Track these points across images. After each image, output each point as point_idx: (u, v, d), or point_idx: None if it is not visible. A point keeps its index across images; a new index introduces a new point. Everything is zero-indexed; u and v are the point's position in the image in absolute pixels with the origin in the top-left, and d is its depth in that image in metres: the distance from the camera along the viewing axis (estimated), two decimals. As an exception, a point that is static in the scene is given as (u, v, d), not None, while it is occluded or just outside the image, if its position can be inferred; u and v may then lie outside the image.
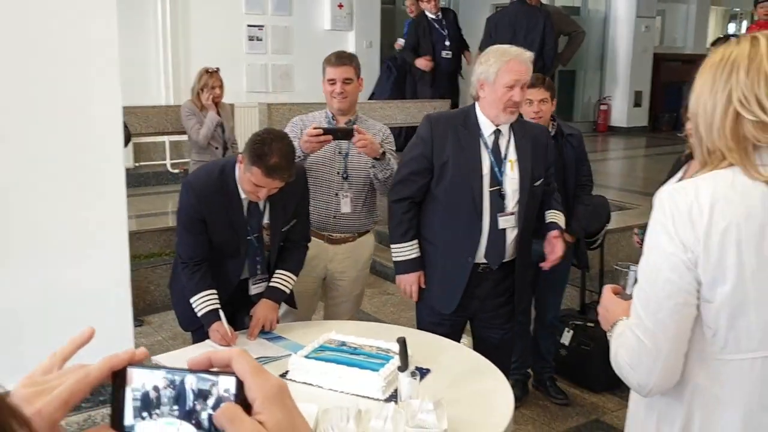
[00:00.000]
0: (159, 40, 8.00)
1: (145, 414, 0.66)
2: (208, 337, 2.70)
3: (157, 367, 0.67)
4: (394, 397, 2.23)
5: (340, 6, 9.12)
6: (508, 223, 2.84)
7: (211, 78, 5.18)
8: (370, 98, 8.15)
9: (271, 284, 2.87)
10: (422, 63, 7.56)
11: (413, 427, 1.96)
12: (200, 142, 5.07)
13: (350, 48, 8.89)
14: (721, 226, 1.37)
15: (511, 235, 2.87)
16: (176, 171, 7.34)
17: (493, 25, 6.44)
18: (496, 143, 2.85)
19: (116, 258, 1.96)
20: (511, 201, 2.85)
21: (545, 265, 3.01)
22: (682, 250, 1.39)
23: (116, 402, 0.66)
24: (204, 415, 0.64)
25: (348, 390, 2.29)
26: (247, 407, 0.64)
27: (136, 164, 7.65)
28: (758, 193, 1.38)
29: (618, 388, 3.92)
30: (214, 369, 0.66)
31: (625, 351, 1.49)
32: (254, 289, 2.88)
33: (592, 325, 4.07)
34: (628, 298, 1.56)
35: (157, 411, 0.65)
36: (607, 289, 1.68)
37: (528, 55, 2.80)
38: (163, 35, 8.01)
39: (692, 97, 1.48)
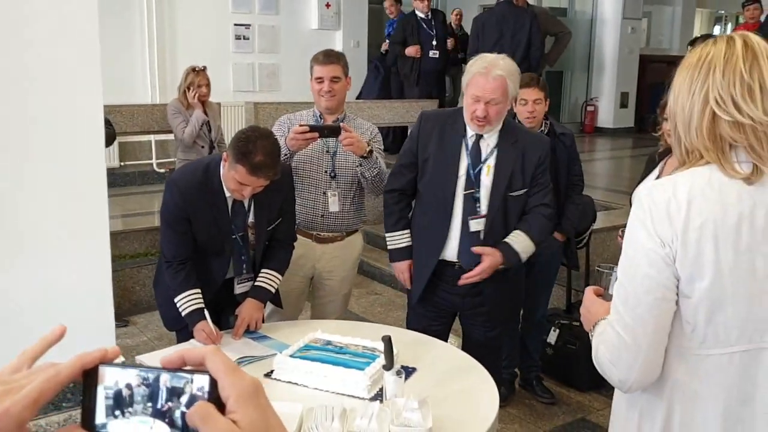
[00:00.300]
0: (145, 38, 7.96)
1: (117, 412, 0.65)
2: (192, 337, 2.68)
3: (130, 365, 0.66)
4: (379, 395, 2.22)
5: (328, 5, 9.11)
6: (479, 226, 2.83)
7: (197, 76, 5.16)
8: (357, 98, 8.14)
9: (256, 283, 2.85)
10: (412, 51, 7.54)
11: (398, 426, 1.96)
12: (186, 140, 5.04)
13: (337, 47, 8.87)
14: (698, 222, 1.39)
15: (487, 240, 2.82)
16: (162, 171, 7.30)
17: (480, 26, 6.45)
18: (476, 146, 2.84)
19: (98, 258, 1.94)
20: (484, 205, 2.83)
21: (460, 282, 2.81)
22: (660, 245, 1.41)
23: (87, 401, 0.65)
24: (177, 414, 0.63)
25: (333, 389, 2.28)
26: (221, 406, 0.63)
27: (122, 163, 7.61)
28: (735, 190, 1.40)
29: (604, 387, 3.93)
30: (188, 367, 0.65)
31: (606, 347, 1.50)
32: (239, 289, 2.86)
33: (578, 324, 4.07)
34: (611, 299, 1.56)
35: (130, 409, 0.64)
36: (589, 291, 1.69)
37: (499, 72, 2.68)
38: (149, 33, 7.97)
39: (670, 97, 1.50)
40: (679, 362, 1.47)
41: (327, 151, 3.20)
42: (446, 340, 3.00)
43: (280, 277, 2.90)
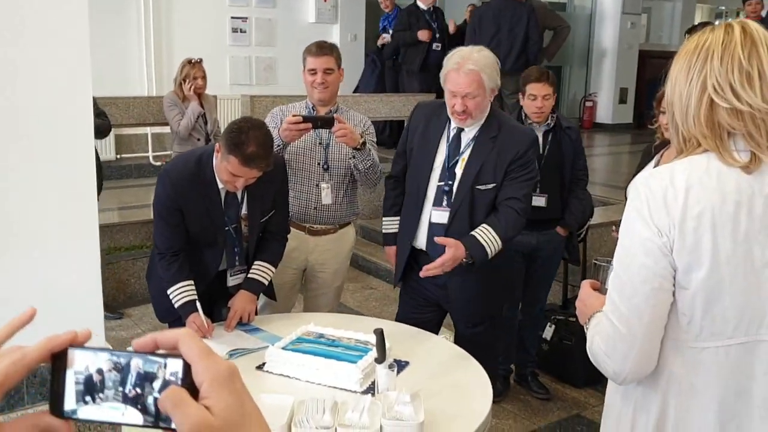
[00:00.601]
0: (141, 30, 7.92)
1: (88, 398, 0.63)
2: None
3: (101, 348, 0.64)
4: (371, 389, 2.21)
5: (325, -1, 9.08)
6: (442, 218, 2.82)
7: (193, 69, 5.13)
8: (354, 92, 8.12)
9: (249, 276, 2.83)
10: (424, 35, 7.50)
11: (389, 420, 1.94)
12: (181, 133, 5.02)
13: (335, 41, 8.82)
14: (695, 210, 1.37)
15: (452, 233, 2.78)
16: (158, 163, 7.27)
17: (477, 19, 6.42)
18: (456, 138, 2.83)
19: (86, 251, 1.92)
20: (453, 198, 2.81)
21: (422, 273, 2.70)
22: (657, 234, 1.39)
23: (56, 385, 0.63)
24: (150, 400, 0.61)
25: (325, 382, 2.27)
26: (195, 391, 0.61)
27: (118, 156, 7.58)
28: (733, 179, 1.38)
29: (599, 383, 3.90)
30: (162, 351, 0.63)
31: (600, 338, 1.49)
32: (232, 281, 2.84)
33: (573, 320, 4.05)
34: (607, 293, 1.54)
35: (101, 395, 0.62)
36: (586, 284, 1.68)
37: (471, 67, 2.66)
38: (145, 26, 7.92)
39: (668, 86, 1.48)
40: (675, 355, 1.45)
41: (320, 143, 3.18)
42: (437, 332, 2.98)
43: (273, 269, 2.88)
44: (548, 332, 4.09)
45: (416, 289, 2.99)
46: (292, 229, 3.06)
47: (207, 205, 2.68)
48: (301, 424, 1.92)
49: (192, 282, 2.69)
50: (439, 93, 7.87)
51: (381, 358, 2.13)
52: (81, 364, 0.63)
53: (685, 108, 1.42)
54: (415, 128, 2.95)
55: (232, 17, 8.53)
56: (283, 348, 2.40)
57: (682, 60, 1.44)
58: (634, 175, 2.65)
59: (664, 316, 1.43)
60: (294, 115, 2.93)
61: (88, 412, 0.63)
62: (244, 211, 2.77)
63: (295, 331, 2.53)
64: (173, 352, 0.62)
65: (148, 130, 7.45)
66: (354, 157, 3.09)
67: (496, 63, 2.77)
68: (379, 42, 8.34)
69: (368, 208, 6.03)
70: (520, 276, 3.73)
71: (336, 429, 1.91)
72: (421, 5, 7.64)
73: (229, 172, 2.50)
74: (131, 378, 0.62)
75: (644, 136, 10.37)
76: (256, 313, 2.85)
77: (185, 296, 2.65)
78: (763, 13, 7.34)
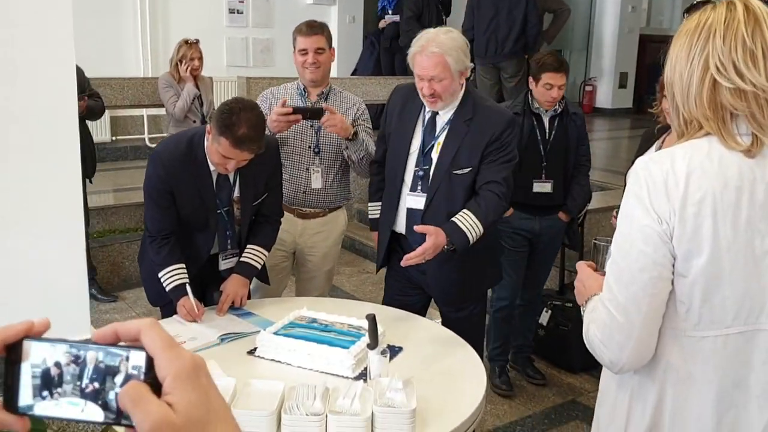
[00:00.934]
0: (137, 9, 7.82)
1: (45, 393, 0.59)
2: (176, 313, 2.63)
3: (60, 340, 0.60)
4: (364, 375, 2.18)
5: (324, -20, 8.98)
6: (416, 203, 2.78)
7: (190, 49, 5.06)
8: (352, 74, 8.04)
9: (242, 259, 2.80)
10: None
11: (381, 406, 1.91)
12: (177, 114, 4.97)
13: (333, 23, 8.76)
14: (697, 196, 1.34)
15: (429, 218, 2.74)
16: (154, 146, 7.22)
17: (475, 1, 6.33)
18: (432, 122, 2.78)
19: (71, 230, 1.88)
20: (430, 183, 2.76)
21: (403, 261, 2.60)
22: (657, 221, 1.36)
23: (10, 379, 0.59)
24: (111, 395, 0.58)
25: (317, 368, 2.24)
26: (159, 386, 0.57)
27: (114, 138, 7.53)
28: (735, 164, 1.35)
29: (595, 369, 3.89)
30: (125, 343, 0.59)
31: (597, 327, 1.46)
32: (224, 265, 2.81)
33: (570, 305, 4.03)
34: (605, 274, 1.51)
35: (59, 390, 0.59)
36: (583, 265, 1.65)
37: (433, 49, 2.59)
38: (141, 5, 7.83)
39: (667, 66, 1.43)
40: (673, 344, 1.42)
41: (311, 126, 3.14)
42: (424, 315, 2.95)
43: (266, 253, 2.85)
44: (545, 317, 4.07)
45: (400, 272, 2.95)
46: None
47: (198, 187, 2.63)
48: (291, 410, 1.89)
49: (183, 265, 2.65)
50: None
51: (373, 344, 2.10)
52: (37, 356, 0.59)
53: (687, 88, 1.38)
54: (392, 112, 2.91)
55: (229, -3, 8.46)
56: (275, 333, 2.36)
57: (683, 39, 1.39)
58: (634, 160, 2.62)
59: (663, 305, 1.40)
60: (283, 106, 2.89)
61: (45, 408, 0.59)
62: (236, 193, 2.73)
63: (287, 315, 2.50)
64: (136, 344, 0.59)
65: (144, 111, 7.40)
66: (347, 147, 3.06)
67: (465, 45, 2.69)
68: (381, 24, 8.25)
69: (364, 192, 5.97)
70: (522, 261, 3.70)
71: (327, 415, 1.88)
72: None
73: (220, 154, 2.46)
74: (91, 372, 0.58)
75: (644, 121, 10.34)
76: (248, 297, 2.82)
77: (176, 280, 2.62)
78: None
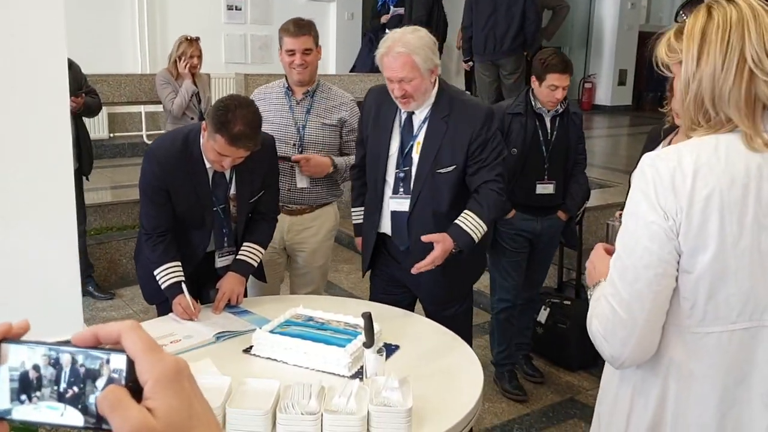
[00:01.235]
0: (135, 6, 7.79)
1: (23, 397, 0.57)
2: (172, 311, 2.62)
3: (39, 342, 0.58)
4: (360, 373, 2.17)
5: (322, -24, 8.96)
6: (399, 206, 2.76)
7: (190, 47, 5.04)
8: (351, 71, 8.03)
9: (238, 257, 2.79)
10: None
11: (377, 405, 1.90)
12: (174, 111, 4.94)
13: (331, 20, 8.74)
14: (704, 192, 1.34)
15: (414, 219, 2.73)
16: (152, 143, 7.22)
17: (473, -2, 6.32)
18: (409, 123, 2.75)
19: (64, 229, 1.86)
20: (412, 185, 2.73)
21: (414, 269, 2.62)
22: (664, 217, 1.36)
23: None
24: (92, 399, 0.56)
25: (313, 366, 2.23)
26: (140, 390, 0.55)
27: (111, 135, 7.50)
28: (742, 161, 1.36)
29: (593, 367, 3.88)
30: (107, 346, 0.58)
31: (599, 321, 1.46)
32: (220, 262, 2.79)
33: (568, 303, 4.03)
34: None
35: (38, 393, 0.57)
36: (599, 247, 1.65)
37: (399, 50, 2.55)
38: (138, 1, 7.79)
39: (690, 63, 1.40)
40: (677, 341, 1.43)
41: (295, 125, 3.17)
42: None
43: (262, 250, 2.84)
44: (543, 315, 4.06)
45: (385, 271, 2.95)
46: None
47: (194, 184, 2.62)
48: (286, 409, 1.88)
49: (179, 263, 2.64)
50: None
51: (369, 343, 2.09)
52: (16, 359, 0.58)
53: (721, 83, 1.36)
54: (368, 115, 2.87)
55: (228, -7, 8.43)
56: (271, 331, 2.35)
57: (713, 36, 1.37)
58: (638, 161, 2.59)
59: (667, 302, 1.41)
60: None
61: (24, 412, 0.57)
62: (232, 191, 2.72)
63: (283, 314, 2.49)
64: (117, 347, 0.57)
65: (142, 108, 7.37)
66: (332, 177, 3.18)
67: (433, 43, 2.65)
68: (383, 19, 8.23)
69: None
70: (523, 263, 3.68)
71: (322, 414, 1.87)
72: None
73: (215, 152, 2.44)
74: (71, 375, 0.57)
75: (643, 118, 10.34)
76: (245, 295, 2.80)
77: (172, 277, 2.61)
78: None
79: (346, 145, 3.27)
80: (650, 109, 11.06)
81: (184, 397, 0.56)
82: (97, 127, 7.13)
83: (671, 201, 1.36)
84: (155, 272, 2.63)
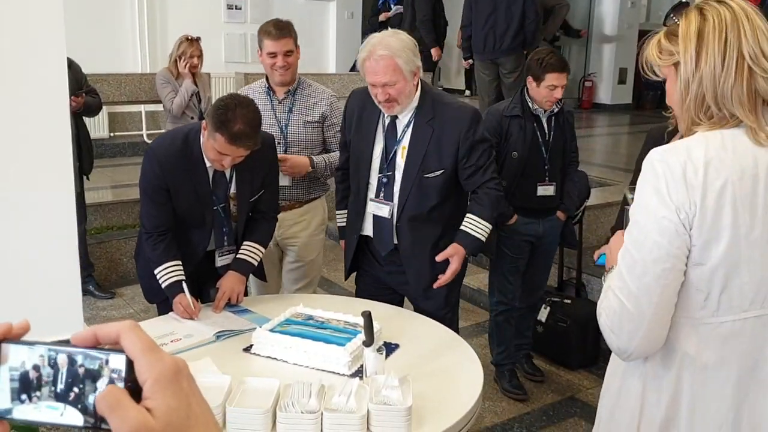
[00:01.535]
0: (135, 6, 7.79)
1: (24, 396, 0.58)
2: (172, 310, 2.62)
3: (38, 342, 0.58)
4: (360, 372, 2.17)
5: (322, -24, 8.96)
6: (380, 210, 2.74)
7: (190, 46, 5.04)
8: (351, 70, 8.03)
9: (238, 256, 2.79)
10: (436, 53, 7.49)
11: (377, 404, 1.90)
12: (174, 111, 4.94)
13: (331, 19, 8.74)
14: (717, 185, 1.37)
15: (403, 224, 2.71)
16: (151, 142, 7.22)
17: (473, -4, 6.31)
18: (392, 126, 2.72)
19: (63, 225, 1.87)
20: (397, 190, 2.70)
21: (435, 285, 2.67)
22: (675, 212, 1.38)
23: None
24: (91, 399, 0.56)
25: (313, 365, 2.23)
26: (139, 390, 0.56)
27: (111, 134, 7.51)
28: (749, 153, 1.39)
29: (594, 366, 3.88)
30: (106, 346, 0.58)
31: (607, 314, 1.48)
32: (220, 261, 2.80)
33: (569, 302, 4.03)
34: None
35: (38, 393, 0.57)
36: (618, 234, 1.65)
37: (381, 53, 2.51)
38: (138, 1, 7.80)
39: (688, 63, 1.44)
40: (690, 334, 1.45)
41: (278, 125, 3.19)
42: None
43: (262, 249, 2.84)
44: (543, 314, 4.06)
45: (369, 272, 2.94)
46: None
47: (194, 183, 2.62)
48: (286, 408, 1.88)
49: (179, 262, 2.64)
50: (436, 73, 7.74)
51: (369, 341, 2.09)
52: (16, 359, 0.58)
53: (722, 81, 1.40)
54: (350, 118, 2.84)
55: (228, -7, 8.43)
56: (271, 330, 2.35)
57: (709, 36, 1.41)
58: (638, 159, 2.59)
59: (675, 296, 1.43)
60: None
61: (24, 411, 0.58)
62: (233, 190, 2.72)
63: (283, 312, 2.49)
64: (116, 347, 0.57)
65: (142, 108, 7.37)
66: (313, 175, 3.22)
67: (414, 45, 2.61)
68: (382, 17, 8.23)
69: None
70: (522, 267, 3.66)
71: (322, 413, 1.87)
72: None
73: (216, 151, 2.45)
74: (70, 375, 0.57)
75: (643, 117, 10.34)
76: (245, 294, 2.81)
77: (172, 276, 2.61)
78: None
79: (328, 141, 3.30)
80: (650, 107, 11.07)
81: (182, 397, 0.56)
82: (98, 127, 7.13)
83: (683, 195, 1.37)
84: (156, 271, 2.63)
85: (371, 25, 8.46)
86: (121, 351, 0.57)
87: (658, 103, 10.74)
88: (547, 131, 3.48)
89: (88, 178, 4.69)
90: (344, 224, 2.98)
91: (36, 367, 0.58)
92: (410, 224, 2.70)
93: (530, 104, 3.44)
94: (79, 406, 0.57)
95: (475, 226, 2.67)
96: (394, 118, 2.71)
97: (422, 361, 2.33)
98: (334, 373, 2.19)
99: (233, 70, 7.09)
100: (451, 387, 2.18)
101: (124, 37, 7.77)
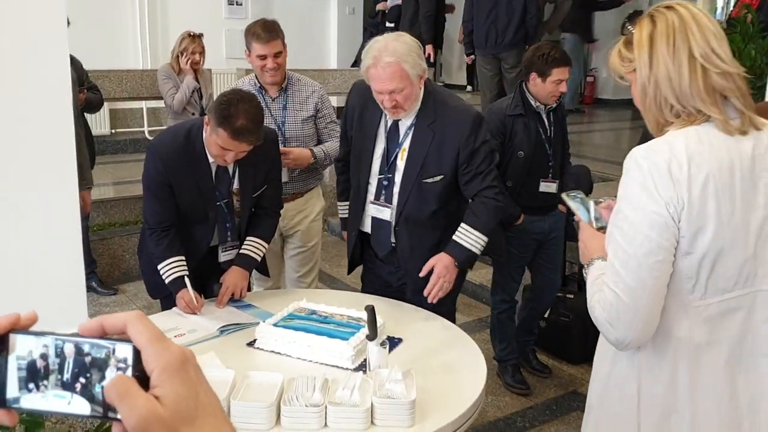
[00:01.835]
0: (136, 2, 7.78)
1: (31, 385, 0.58)
2: (176, 305, 2.62)
3: (46, 332, 0.59)
4: (363, 366, 2.17)
5: (323, -29, 8.94)
6: (379, 213, 2.71)
7: (192, 43, 5.04)
8: (352, 65, 8.02)
9: (241, 251, 2.79)
10: (429, 52, 7.49)
11: (380, 398, 1.90)
12: (175, 107, 4.94)
13: (332, 15, 8.73)
14: (700, 179, 1.45)
15: (401, 228, 2.68)
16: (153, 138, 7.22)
17: (474, -8, 6.30)
18: (395, 127, 2.66)
19: (66, 222, 1.87)
20: (396, 192, 2.66)
21: (430, 299, 2.59)
22: (665, 206, 1.46)
23: None
24: (98, 388, 0.57)
25: (317, 359, 2.23)
26: (146, 379, 0.56)
27: (113, 131, 7.51)
28: (724, 146, 1.49)
29: (596, 360, 3.88)
30: (113, 336, 0.58)
31: (602, 308, 1.54)
32: (224, 257, 2.80)
33: (571, 296, 4.02)
34: (603, 231, 1.70)
35: (46, 382, 0.58)
36: (587, 226, 1.78)
37: (388, 59, 2.42)
38: (139, -2, 7.81)
39: (642, 69, 1.55)
40: (681, 318, 1.53)
41: (275, 122, 3.22)
42: None
43: (265, 245, 2.84)
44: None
45: (373, 270, 2.92)
46: None
47: (197, 179, 2.62)
48: (290, 402, 1.89)
49: (182, 257, 2.65)
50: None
51: (372, 335, 2.10)
52: (23, 349, 0.58)
53: (678, 81, 1.50)
54: (352, 112, 2.78)
55: (229, -11, 8.42)
56: (275, 324, 2.36)
57: (660, 41, 1.52)
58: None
59: (666, 285, 1.50)
60: None
61: (32, 400, 0.58)
62: (235, 185, 2.72)
63: (287, 307, 2.49)
64: (123, 337, 0.57)
65: (144, 104, 7.37)
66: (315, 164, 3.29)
67: (418, 47, 2.53)
68: (380, 6, 8.22)
69: None
70: (526, 264, 3.66)
71: (326, 407, 1.88)
72: None
73: (218, 146, 2.45)
74: (78, 365, 0.57)
75: (645, 112, 10.32)
76: (248, 289, 2.81)
77: (175, 272, 2.61)
78: None
79: (321, 132, 3.36)
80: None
81: (190, 386, 0.56)
82: (99, 123, 7.13)
83: (671, 190, 1.45)
84: (159, 267, 2.64)
85: (371, 15, 8.46)
86: (128, 341, 0.57)
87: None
88: (547, 127, 3.47)
89: (90, 175, 4.68)
90: (346, 215, 2.97)
91: (43, 356, 0.58)
92: (409, 228, 2.66)
93: (532, 101, 3.40)
94: (87, 395, 0.57)
95: (467, 236, 2.59)
96: (396, 120, 2.65)
97: (425, 355, 2.33)
98: (337, 367, 2.19)
99: (234, 66, 7.07)
100: (454, 381, 2.19)
101: (126, 33, 7.76)
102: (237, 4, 8.45)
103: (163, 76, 5.05)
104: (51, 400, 0.58)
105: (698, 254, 1.48)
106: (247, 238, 2.81)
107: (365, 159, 2.71)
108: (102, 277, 4.97)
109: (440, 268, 2.57)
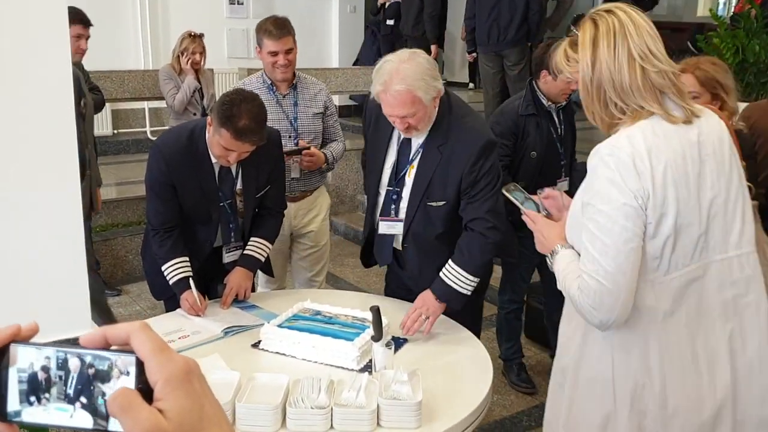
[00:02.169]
0: (137, 2, 7.77)
1: (33, 398, 0.56)
2: (180, 306, 2.61)
3: (47, 344, 0.57)
4: (369, 367, 2.16)
5: (324, -30, 8.92)
6: (391, 229, 2.63)
7: (192, 43, 5.02)
8: (354, 64, 8.01)
9: (245, 252, 2.78)
10: (435, 51, 7.49)
11: (386, 399, 1.89)
12: (176, 107, 4.93)
13: (334, 13, 8.71)
14: (660, 169, 1.59)
15: (409, 243, 2.62)
16: (156, 139, 7.22)
17: (476, -11, 6.28)
18: (407, 141, 2.57)
19: (69, 223, 1.86)
20: (403, 208, 2.59)
21: (404, 332, 2.44)
22: (633, 198, 1.59)
23: None
24: (101, 401, 0.55)
25: (322, 360, 2.22)
26: (150, 391, 0.55)
27: (115, 131, 7.51)
28: (675, 135, 1.63)
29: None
30: (114, 347, 0.57)
31: (586, 295, 1.66)
32: (228, 257, 2.79)
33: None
34: (546, 214, 1.97)
35: (47, 395, 0.56)
36: (537, 216, 1.95)
37: (398, 88, 2.29)
38: (140, -2, 7.79)
39: (584, 70, 1.67)
40: (649, 292, 1.67)
41: (287, 118, 3.23)
42: None
43: (269, 245, 2.83)
44: (550, 307, 4.04)
45: (395, 272, 2.86)
46: None
47: (200, 179, 2.61)
48: (296, 403, 1.88)
49: (186, 258, 2.64)
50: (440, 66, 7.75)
51: (377, 336, 2.09)
52: (25, 361, 0.57)
53: (619, 79, 1.63)
54: (369, 120, 2.71)
55: (230, -12, 8.40)
56: (279, 325, 2.35)
57: (601, 42, 1.64)
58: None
59: (638, 268, 1.64)
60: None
61: (34, 414, 0.57)
62: (239, 186, 2.71)
63: (291, 308, 2.48)
64: (126, 348, 0.56)
65: (146, 104, 7.36)
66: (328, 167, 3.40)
67: (432, 66, 2.40)
68: (380, 1, 8.20)
69: (347, 176, 6.11)
70: (535, 264, 3.63)
71: (332, 408, 1.87)
72: None
73: (221, 146, 2.44)
74: (80, 377, 0.56)
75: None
76: (253, 290, 2.80)
77: (179, 273, 2.60)
78: None
79: (327, 130, 3.39)
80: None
81: (195, 398, 0.55)
82: (101, 124, 7.13)
83: (636, 182, 1.59)
84: (163, 268, 2.62)
85: (372, 13, 8.44)
86: (131, 352, 0.56)
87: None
88: (558, 126, 3.43)
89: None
90: None
91: (45, 369, 0.57)
92: (416, 246, 2.61)
93: (543, 100, 3.33)
94: (89, 408, 0.56)
95: (452, 275, 2.48)
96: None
97: (431, 355, 2.32)
98: (343, 368, 2.18)
99: (236, 66, 7.06)
100: (460, 381, 2.18)
101: (127, 33, 7.75)
102: (238, 4, 8.43)
103: (164, 77, 5.04)
104: (53, 413, 0.56)
105: (662, 237, 1.63)
106: (251, 238, 2.80)
107: (376, 168, 2.65)
108: (105, 278, 4.97)
109: (419, 301, 2.47)
